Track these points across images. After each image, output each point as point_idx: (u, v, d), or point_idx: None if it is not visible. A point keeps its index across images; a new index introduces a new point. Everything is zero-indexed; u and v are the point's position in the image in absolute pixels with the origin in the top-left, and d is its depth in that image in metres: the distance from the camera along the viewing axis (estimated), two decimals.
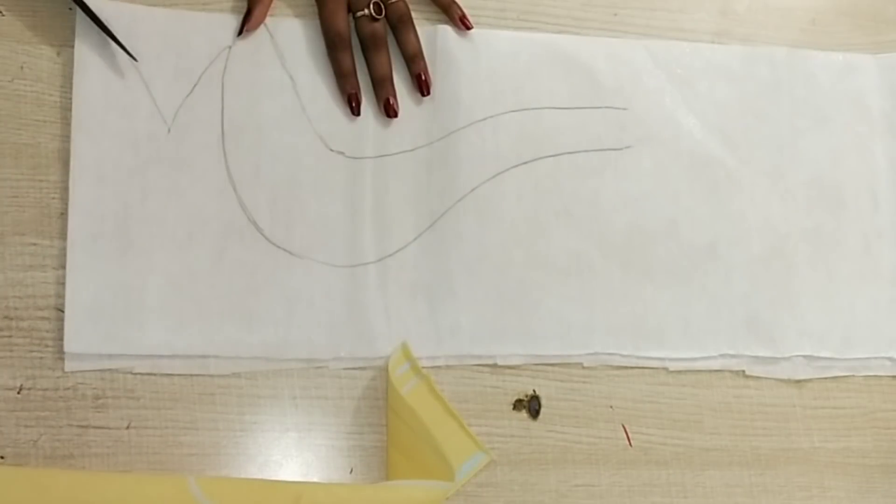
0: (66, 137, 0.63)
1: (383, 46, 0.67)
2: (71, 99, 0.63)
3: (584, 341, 0.67)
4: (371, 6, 0.66)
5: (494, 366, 0.66)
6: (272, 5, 0.66)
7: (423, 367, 0.63)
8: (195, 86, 0.65)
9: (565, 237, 0.68)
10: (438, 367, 0.65)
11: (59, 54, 0.64)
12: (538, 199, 0.69)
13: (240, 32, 0.66)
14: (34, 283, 0.61)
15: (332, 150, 0.66)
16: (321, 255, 0.65)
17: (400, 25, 0.67)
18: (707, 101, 0.73)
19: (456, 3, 0.69)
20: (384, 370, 0.64)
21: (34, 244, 0.61)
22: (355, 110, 0.66)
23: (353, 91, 0.66)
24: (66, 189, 0.62)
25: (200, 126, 0.65)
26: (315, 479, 0.62)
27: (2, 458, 0.59)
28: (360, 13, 0.66)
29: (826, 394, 0.70)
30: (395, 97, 0.67)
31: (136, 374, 0.61)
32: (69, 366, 0.60)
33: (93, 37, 0.63)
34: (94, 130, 0.63)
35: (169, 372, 0.61)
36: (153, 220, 0.63)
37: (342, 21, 0.66)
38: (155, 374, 0.61)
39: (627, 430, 0.67)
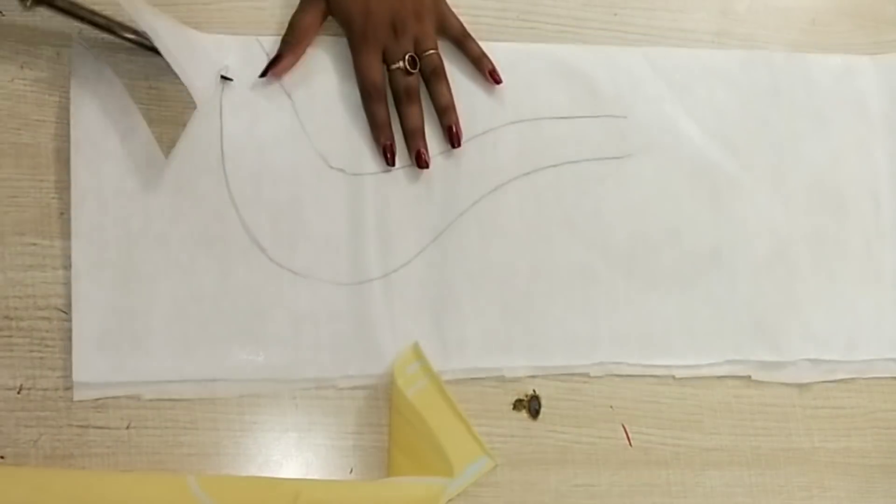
0: (65, 137, 0.63)
1: (416, 99, 0.67)
2: (70, 99, 0.63)
3: (590, 351, 0.67)
4: (406, 59, 0.66)
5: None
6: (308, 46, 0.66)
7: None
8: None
9: (568, 247, 0.68)
10: (447, 381, 0.64)
11: (58, 54, 0.64)
12: (540, 211, 0.68)
13: (263, 74, 0.65)
14: (34, 283, 0.61)
15: (332, 168, 0.66)
16: (325, 273, 0.64)
17: (433, 78, 0.67)
18: (706, 106, 0.73)
19: (486, 56, 0.69)
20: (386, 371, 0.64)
21: (34, 244, 0.61)
22: (390, 161, 0.66)
23: (389, 142, 0.66)
24: (66, 189, 0.62)
25: (200, 148, 0.64)
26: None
27: (2, 458, 0.59)
28: (394, 66, 0.66)
29: (826, 394, 0.70)
30: (426, 148, 0.67)
31: (145, 399, 0.61)
32: (78, 394, 0.60)
33: (89, 62, 0.63)
34: (93, 157, 0.62)
35: (178, 397, 0.61)
36: (156, 245, 0.62)
37: (377, 72, 0.66)
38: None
39: (627, 430, 0.67)
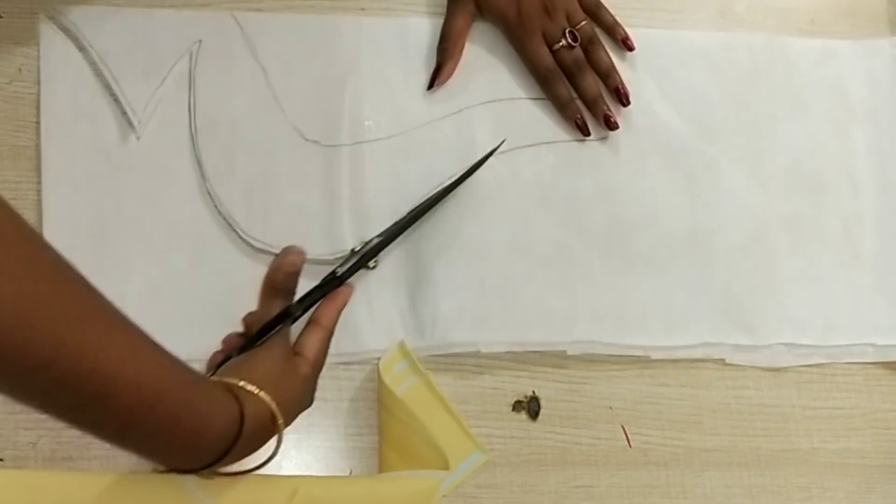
0: None
1: (588, 69, 0.70)
2: (40, 85, 0.63)
3: (568, 329, 0.67)
4: (567, 35, 0.68)
5: (493, 365, 0.66)
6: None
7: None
8: (164, 80, 0.63)
9: (545, 226, 0.68)
10: (422, 357, 0.64)
11: None
12: (517, 189, 0.68)
13: (430, 87, 0.68)
14: None
15: (307, 140, 0.66)
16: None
17: (590, 46, 0.70)
18: (684, 89, 0.73)
19: (619, 25, 0.72)
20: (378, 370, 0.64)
21: None
22: (586, 132, 0.69)
23: (580, 115, 0.69)
24: None
25: (172, 125, 0.64)
26: None
27: (1, 460, 0.59)
28: (557, 45, 0.68)
29: (825, 394, 0.70)
30: (610, 110, 0.69)
31: None
32: None
33: (58, 47, 0.63)
34: (64, 141, 0.62)
35: None
36: (129, 227, 0.62)
37: (547, 56, 0.69)
38: None
39: (627, 430, 0.67)
